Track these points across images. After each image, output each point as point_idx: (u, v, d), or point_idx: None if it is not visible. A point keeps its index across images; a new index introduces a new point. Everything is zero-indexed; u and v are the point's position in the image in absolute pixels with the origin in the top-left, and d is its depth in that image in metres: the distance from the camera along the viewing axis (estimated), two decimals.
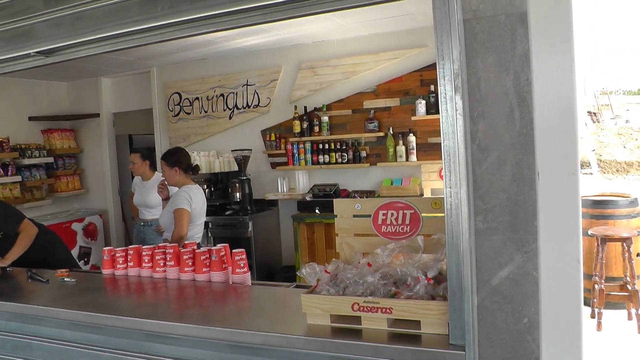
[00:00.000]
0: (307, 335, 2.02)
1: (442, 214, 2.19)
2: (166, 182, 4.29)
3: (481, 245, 1.84)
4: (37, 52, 2.89)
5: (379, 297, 1.98)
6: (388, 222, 2.24)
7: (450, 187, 1.81)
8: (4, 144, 7.14)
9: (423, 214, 2.22)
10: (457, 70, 1.79)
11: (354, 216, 2.34)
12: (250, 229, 6.18)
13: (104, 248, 3.45)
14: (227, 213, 6.41)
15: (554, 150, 1.71)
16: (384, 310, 1.96)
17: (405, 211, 2.23)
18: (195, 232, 4.23)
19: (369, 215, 2.28)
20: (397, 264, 2.07)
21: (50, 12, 2.76)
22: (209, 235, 6.38)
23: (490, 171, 1.84)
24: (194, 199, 4.06)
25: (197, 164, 4.33)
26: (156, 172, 5.51)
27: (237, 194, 6.39)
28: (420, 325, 1.94)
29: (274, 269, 6.56)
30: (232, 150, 6.67)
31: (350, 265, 2.21)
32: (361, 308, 1.99)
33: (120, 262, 3.30)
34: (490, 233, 1.83)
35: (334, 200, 2.40)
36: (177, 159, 4.16)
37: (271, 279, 6.15)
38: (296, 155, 6.45)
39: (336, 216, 2.36)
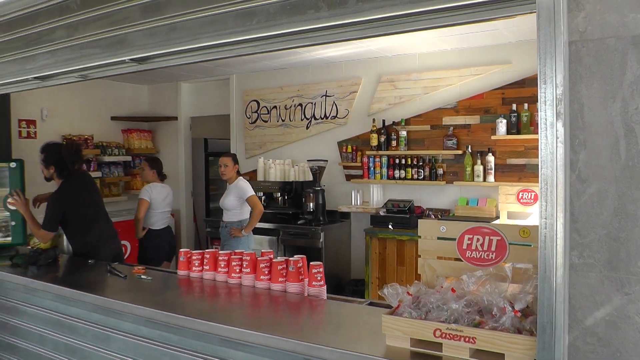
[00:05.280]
0: (386, 357, 1.98)
1: (530, 243, 2.12)
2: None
3: (575, 282, 1.75)
4: (131, 59, 3.01)
5: (462, 325, 1.92)
6: (473, 247, 2.18)
7: (545, 218, 1.73)
8: (89, 141, 7.53)
9: (510, 242, 2.14)
10: (560, 95, 1.72)
11: (438, 238, 2.29)
12: (321, 239, 6.19)
13: (181, 250, 3.52)
14: (299, 222, 6.44)
15: None
16: (467, 339, 1.90)
17: (491, 237, 2.16)
18: (158, 218, 5.64)
19: (454, 239, 2.22)
20: (483, 292, 2.00)
21: (147, 22, 2.87)
22: (279, 242, 6.44)
23: (589, 204, 1.74)
24: (154, 192, 5.60)
25: (165, 174, 5.92)
26: (240, 177, 5.64)
27: (311, 204, 6.43)
28: (504, 358, 1.86)
29: (342, 281, 6.54)
30: (308, 160, 6.72)
31: (432, 288, 2.16)
32: (443, 335, 1.93)
33: (196, 264, 3.36)
34: (586, 269, 1.74)
35: (419, 220, 2.35)
36: (158, 164, 5.84)
37: (339, 292, 6.13)
38: (372, 168, 6.42)
39: (420, 237, 2.32)
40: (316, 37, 2.22)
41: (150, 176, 5.75)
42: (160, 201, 5.66)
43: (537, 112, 5.77)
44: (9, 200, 4.28)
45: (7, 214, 4.30)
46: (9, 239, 4.34)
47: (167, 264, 5.77)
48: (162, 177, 5.83)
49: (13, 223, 4.30)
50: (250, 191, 5.54)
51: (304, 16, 2.17)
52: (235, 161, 5.67)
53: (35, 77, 3.62)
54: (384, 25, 2.08)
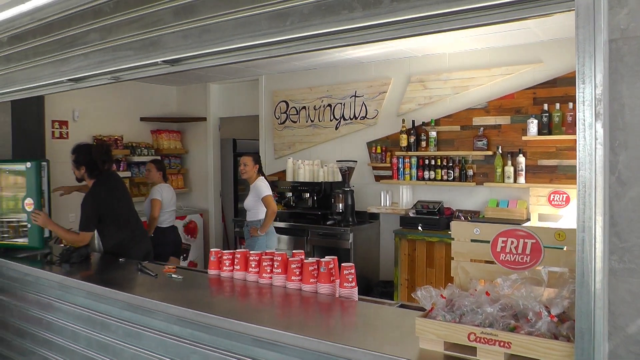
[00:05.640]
0: None
1: (565, 247, 2.07)
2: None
3: (616, 287, 1.69)
4: (164, 61, 3.03)
5: (497, 330, 1.89)
6: (507, 250, 2.14)
7: (583, 221, 1.69)
8: (118, 142, 7.67)
9: (544, 245, 2.10)
10: (600, 95, 1.67)
11: (472, 240, 2.26)
12: (350, 240, 6.17)
13: (212, 249, 3.53)
14: (328, 223, 6.44)
15: None
16: (502, 343, 1.87)
17: (526, 240, 2.12)
18: (166, 217, 6.09)
19: (488, 241, 2.19)
20: (518, 296, 1.96)
21: (179, 24, 2.88)
22: (307, 243, 6.44)
23: (630, 207, 1.69)
24: (164, 192, 6.01)
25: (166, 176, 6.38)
26: (260, 176, 5.67)
27: (340, 205, 6.41)
28: None
29: (371, 283, 6.52)
30: (337, 161, 6.70)
31: (465, 291, 2.13)
32: (478, 339, 1.90)
33: (227, 264, 3.37)
34: (627, 274, 1.68)
35: (452, 222, 2.32)
36: (163, 166, 6.31)
37: (368, 293, 6.09)
38: (401, 169, 6.38)
39: (453, 239, 2.29)
40: (350, 37, 2.20)
41: (157, 177, 6.13)
42: (169, 200, 6.09)
43: (569, 112, 5.62)
44: (29, 209, 4.21)
45: (25, 215, 4.23)
46: (26, 241, 4.28)
47: (173, 259, 5.94)
48: (166, 178, 6.27)
49: (29, 225, 4.22)
50: (265, 191, 5.57)
51: (338, 17, 2.16)
52: (256, 161, 5.69)
53: (69, 79, 3.67)
54: (419, 25, 2.05)
